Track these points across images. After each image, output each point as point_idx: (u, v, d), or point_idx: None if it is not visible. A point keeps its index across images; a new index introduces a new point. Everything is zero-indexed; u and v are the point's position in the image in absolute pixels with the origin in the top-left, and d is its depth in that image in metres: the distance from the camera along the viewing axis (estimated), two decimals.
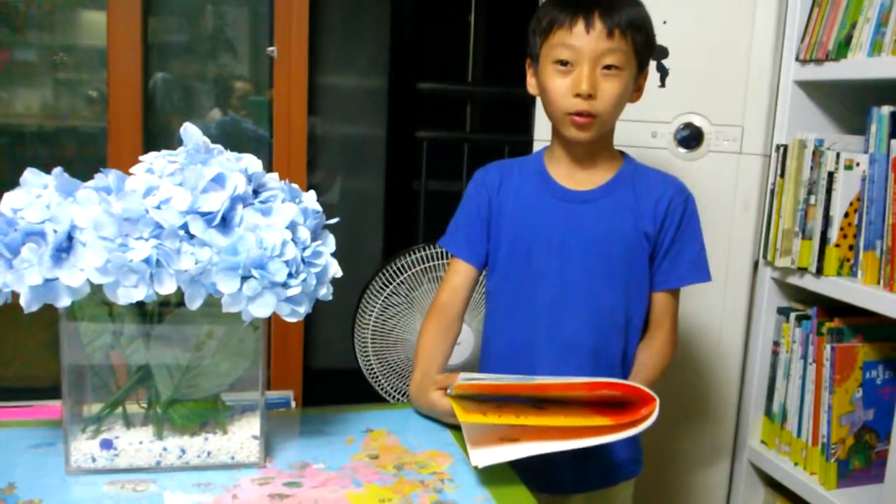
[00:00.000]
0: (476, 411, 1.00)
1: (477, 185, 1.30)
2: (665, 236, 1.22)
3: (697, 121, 1.65)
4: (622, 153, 1.28)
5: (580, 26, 1.13)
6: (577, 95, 1.14)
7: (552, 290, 1.22)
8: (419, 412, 1.16)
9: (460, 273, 1.29)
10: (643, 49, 1.18)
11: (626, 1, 1.16)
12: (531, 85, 1.25)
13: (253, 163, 0.92)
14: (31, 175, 0.87)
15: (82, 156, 2.21)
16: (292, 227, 0.88)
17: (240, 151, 0.93)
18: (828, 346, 1.51)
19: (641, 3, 1.19)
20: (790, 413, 1.61)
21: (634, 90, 1.21)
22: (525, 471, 1.28)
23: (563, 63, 1.15)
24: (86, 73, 2.19)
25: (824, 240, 1.50)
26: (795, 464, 1.59)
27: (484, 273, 1.32)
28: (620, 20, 1.13)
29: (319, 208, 0.95)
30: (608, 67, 1.14)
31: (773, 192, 1.61)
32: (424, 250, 1.77)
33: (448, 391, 1.06)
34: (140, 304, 0.86)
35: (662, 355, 1.25)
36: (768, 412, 1.68)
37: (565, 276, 1.21)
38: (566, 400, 1.03)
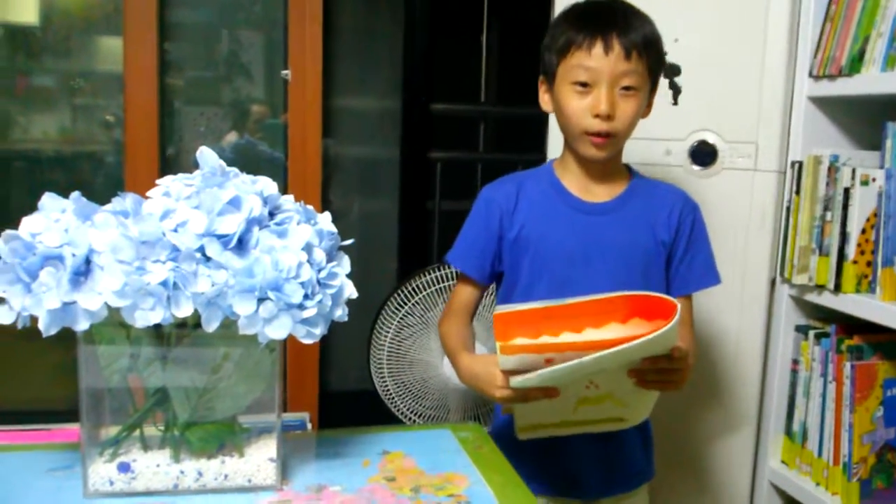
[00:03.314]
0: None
1: (487, 201, 1.28)
2: (679, 244, 1.27)
3: (711, 138, 1.64)
4: (627, 166, 1.31)
5: (599, 48, 1.15)
6: (597, 116, 1.16)
7: None
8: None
9: (466, 291, 1.31)
10: (656, 66, 1.21)
11: (640, 19, 1.19)
12: (545, 101, 1.26)
13: (268, 185, 0.92)
14: (49, 199, 0.88)
15: (100, 180, 2.23)
16: (308, 248, 0.89)
17: (255, 174, 0.94)
18: (847, 364, 1.49)
19: (652, 21, 1.21)
20: (811, 432, 1.59)
21: (646, 106, 1.23)
22: (555, 477, 1.29)
23: (583, 84, 1.17)
24: (102, 99, 2.21)
25: (841, 256, 1.48)
26: (817, 484, 1.57)
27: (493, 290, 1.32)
28: (637, 40, 1.16)
29: (334, 230, 0.95)
30: (626, 88, 1.16)
31: (788, 208, 1.60)
32: (439, 271, 1.77)
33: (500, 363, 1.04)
34: (157, 327, 0.87)
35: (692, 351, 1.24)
36: (788, 431, 1.66)
37: (591, 286, 1.21)
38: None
